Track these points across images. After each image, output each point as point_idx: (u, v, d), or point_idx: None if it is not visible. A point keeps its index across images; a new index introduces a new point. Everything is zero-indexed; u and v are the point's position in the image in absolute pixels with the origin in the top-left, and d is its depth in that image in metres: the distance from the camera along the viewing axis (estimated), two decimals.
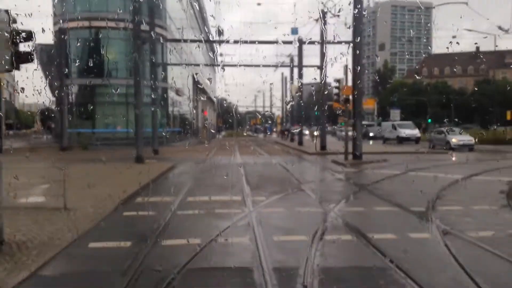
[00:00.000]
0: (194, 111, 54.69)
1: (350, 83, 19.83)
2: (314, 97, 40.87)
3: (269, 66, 27.01)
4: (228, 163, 19.55)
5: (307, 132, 43.99)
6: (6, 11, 5.85)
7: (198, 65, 40.32)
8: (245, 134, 74.11)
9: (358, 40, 16.78)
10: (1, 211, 5.93)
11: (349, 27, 18.17)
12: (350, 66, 19.01)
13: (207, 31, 51.31)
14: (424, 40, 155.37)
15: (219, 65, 29.58)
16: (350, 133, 19.59)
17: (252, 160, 20.03)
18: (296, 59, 31.23)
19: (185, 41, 30.98)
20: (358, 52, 16.90)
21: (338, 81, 19.65)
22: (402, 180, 14.01)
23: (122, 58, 34.36)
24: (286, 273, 5.09)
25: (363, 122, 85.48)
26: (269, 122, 76.59)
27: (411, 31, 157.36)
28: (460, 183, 12.71)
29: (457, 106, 73.56)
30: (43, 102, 53.35)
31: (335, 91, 20.31)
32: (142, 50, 20.50)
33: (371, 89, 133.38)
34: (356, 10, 15.16)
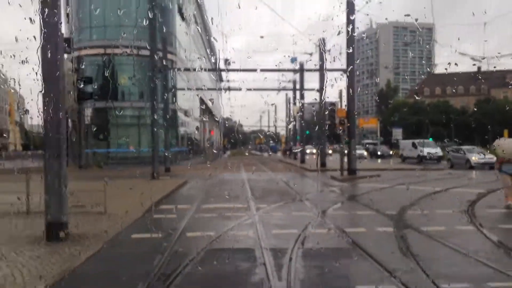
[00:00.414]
0: (200, 132, 56.99)
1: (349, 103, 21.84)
2: (315, 117, 42.95)
3: (272, 89, 29.16)
4: (234, 179, 21.57)
5: (313, 151, 46.06)
6: (71, 60, 7.99)
7: (205, 89, 42.59)
8: (247, 154, 75.96)
9: (351, 68, 18.87)
10: (67, 212, 7.97)
11: (340, 53, 20.27)
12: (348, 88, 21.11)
13: (210, 53, 53.94)
14: (424, 61, 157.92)
15: (225, 89, 31.73)
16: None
17: (256, 176, 22.05)
18: (298, 80, 33.45)
19: (194, 70, 33.28)
20: (350, 79, 19.04)
21: (333, 104, 21.82)
22: (387, 192, 15.98)
23: (135, 83, 36.89)
24: (278, 251, 7.05)
25: (367, 141, 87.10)
26: (273, 141, 78.62)
27: (408, 53, 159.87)
28: (437, 194, 14.64)
29: (458, 125, 75.40)
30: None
31: (332, 114, 22.44)
32: (156, 77, 22.69)
33: (375, 108, 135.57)
34: (350, 48, 17.29)
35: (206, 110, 59.39)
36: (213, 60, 50.70)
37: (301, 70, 27.47)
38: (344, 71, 20.05)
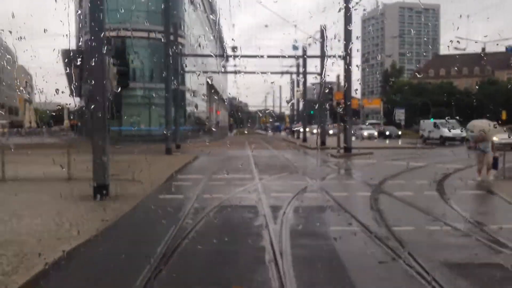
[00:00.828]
0: (206, 111, 58.93)
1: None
2: (317, 97, 44.71)
3: (276, 73, 31.03)
4: (240, 154, 23.63)
5: (314, 130, 47.75)
6: (112, 57, 9.93)
7: (213, 72, 44.28)
8: (246, 132, 77.80)
9: (347, 54, 20.68)
10: (109, 177, 10.02)
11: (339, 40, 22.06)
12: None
13: (217, 33, 55.37)
14: (430, 42, 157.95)
15: (233, 72, 33.51)
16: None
17: (260, 153, 24.10)
18: (301, 63, 35.18)
19: (203, 55, 35.02)
20: (348, 65, 20.89)
21: (331, 88, 23.68)
22: (375, 166, 17.99)
23: (146, 65, 38.87)
24: (275, 207, 9.08)
25: (371, 121, 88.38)
26: (277, 121, 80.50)
27: (412, 33, 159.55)
28: (420, 168, 16.61)
29: (460, 105, 76.72)
30: (69, 103, 57.77)
31: (329, 96, 24.32)
32: (169, 60, 24.53)
33: (380, 88, 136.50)
34: (347, 36, 19.05)
35: (212, 90, 61.14)
36: (218, 40, 52.32)
37: (304, 56, 29.26)
38: (341, 57, 21.84)
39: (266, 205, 9.32)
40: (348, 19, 18.15)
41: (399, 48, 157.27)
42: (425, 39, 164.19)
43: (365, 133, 44.58)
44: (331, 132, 39.78)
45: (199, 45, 43.42)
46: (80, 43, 42.72)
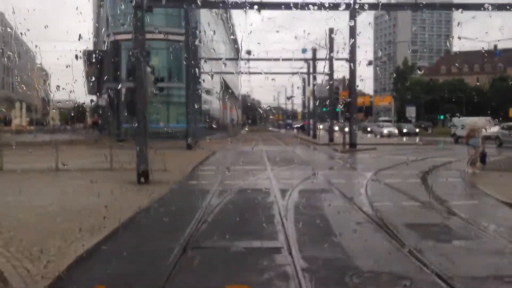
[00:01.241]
0: (220, 109, 61.28)
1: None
2: (327, 95, 46.58)
3: (287, 73, 33.10)
4: (253, 150, 25.85)
5: (320, 126, 49.69)
6: (151, 67, 12.17)
7: (227, 73, 46.50)
8: (260, 129, 79.85)
9: (352, 61, 22.77)
10: (149, 166, 12.29)
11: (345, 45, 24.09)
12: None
13: (231, 34, 57.67)
14: (443, 37, 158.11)
15: (246, 73, 35.76)
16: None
17: (272, 148, 26.29)
18: (311, 64, 37.26)
19: (220, 59, 37.29)
20: (352, 70, 23.02)
21: (337, 88, 25.75)
22: (375, 160, 20.06)
23: (164, 65, 41.30)
24: (283, 190, 11.26)
25: (382, 118, 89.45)
26: (289, 118, 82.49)
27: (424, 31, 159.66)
28: (415, 161, 18.63)
29: (471, 103, 77.82)
30: (92, 100, 60.42)
31: (336, 96, 26.40)
32: (189, 63, 26.81)
33: (392, 85, 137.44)
34: (352, 41, 21.15)
35: (226, 89, 63.41)
36: (232, 37, 54.53)
37: (313, 59, 31.39)
38: (347, 60, 23.90)
39: (276, 188, 11.53)
40: (352, 30, 20.23)
41: (411, 45, 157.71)
42: (438, 35, 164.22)
43: (385, 130, 43.20)
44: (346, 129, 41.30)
45: (214, 47, 45.78)
46: (101, 45, 45.47)
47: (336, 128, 40.38)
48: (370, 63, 42.41)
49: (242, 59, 35.20)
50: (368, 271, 5.26)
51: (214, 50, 43.08)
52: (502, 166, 15.84)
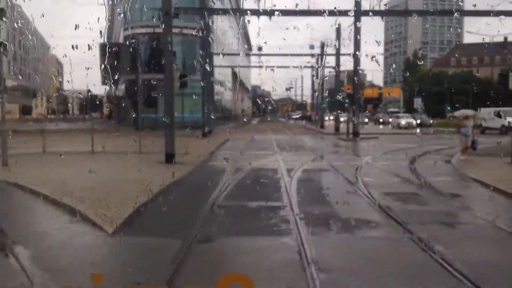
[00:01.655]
0: (232, 100, 63.32)
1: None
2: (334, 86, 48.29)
3: (296, 67, 35.04)
4: (264, 138, 27.90)
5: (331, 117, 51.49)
6: (175, 65, 14.21)
7: (240, 67, 48.38)
8: (268, 119, 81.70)
9: (356, 56, 24.65)
10: (175, 148, 14.38)
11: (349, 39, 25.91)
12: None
13: (242, 27, 59.46)
14: (454, 29, 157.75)
15: (257, 67, 37.65)
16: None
17: (281, 137, 28.31)
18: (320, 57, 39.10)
19: (231, 54, 39.24)
20: (356, 65, 24.94)
21: (342, 81, 27.64)
22: (374, 147, 21.97)
23: (179, 57, 43.25)
24: (289, 169, 13.29)
25: (390, 109, 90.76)
26: (296, 108, 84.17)
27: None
28: (410, 148, 20.52)
29: (480, 94, 78.75)
30: (107, 92, 62.73)
31: (341, 88, 28.30)
32: (204, 57, 28.83)
33: (402, 77, 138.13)
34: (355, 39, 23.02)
35: (238, 81, 65.33)
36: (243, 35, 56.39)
37: (321, 55, 33.31)
38: (351, 55, 25.76)
39: (283, 168, 13.57)
40: (357, 30, 22.13)
41: (422, 36, 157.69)
42: (448, 27, 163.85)
43: (403, 122, 40.81)
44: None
45: (226, 41, 47.71)
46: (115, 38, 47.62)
47: (342, 119, 42.22)
48: (373, 58, 43.56)
49: (254, 54, 37.07)
50: (346, 218, 7.30)
51: (226, 44, 45.05)
52: (490, 152, 17.65)
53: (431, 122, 45.62)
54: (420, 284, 4.72)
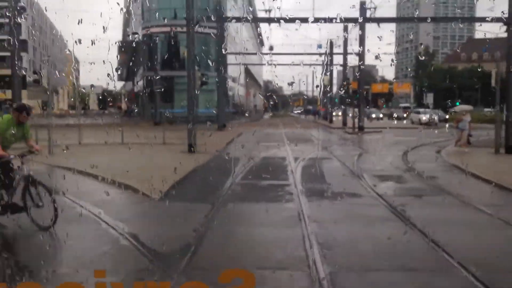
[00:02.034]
0: (244, 95, 65.38)
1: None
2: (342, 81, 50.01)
3: (306, 64, 37.01)
4: (275, 132, 29.91)
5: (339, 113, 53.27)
6: (198, 70, 16.26)
7: (252, 64, 50.32)
8: (281, 115, 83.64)
9: (361, 54, 26.47)
10: (195, 139, 16.45)
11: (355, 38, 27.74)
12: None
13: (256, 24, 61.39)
14: (465, 23, 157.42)
15: (268, 64, 39.68)
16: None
17: (291, 130, 30.31)
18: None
19: (245, 53, 41.25)
20: (360, 63, 26.79)
21: (347, 79, 29.51)
22: (376, 140, 23.88)
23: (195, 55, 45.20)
24: (296, 158, 15.29)
25: (401, 105, 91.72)
26: (307, 104, 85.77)
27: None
28: (409, 141, 22.36)
29: (489, 90, 79.47)
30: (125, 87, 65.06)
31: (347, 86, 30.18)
32: (219, 55, 30.81)
33: (413, 72, 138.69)
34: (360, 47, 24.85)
35: (250, 77, 67.37)
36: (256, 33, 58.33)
37: (330, 54, 35.20)
38: (357, 54, 27.59)
39: (291, 157, 15.58)
40: (362, 37, 24.02)
41: (433, 31, 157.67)
42: (460, 22, 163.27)
43: (423, 117, 38.26)
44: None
45: (240, 39, 49.71)
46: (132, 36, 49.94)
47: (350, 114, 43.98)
48: (376, 57, 45.11)
49: (265, 53, 39.04)
50: (338, 191, 9.31)
51: (239, 41, 47.01)
52: (487, 144, 19.34)
53: (446, 117, 46.23)
54: (381, 227, 6.71)
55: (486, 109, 53.15)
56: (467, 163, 12.65)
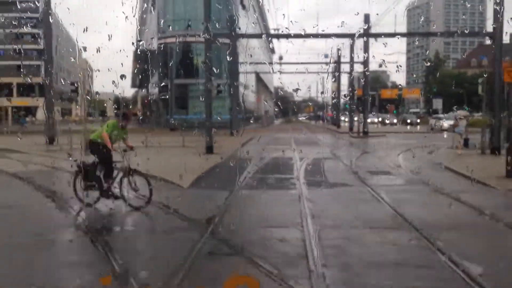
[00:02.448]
0: (257, 102, 67.47)
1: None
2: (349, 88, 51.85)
3: (314, 72, 39.05)
4: (284, 136, 31.87)
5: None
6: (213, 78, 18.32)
7: (263, 73, 52.37)
8: (292, 120, 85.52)
9: (366, 61, 28.40)
10: (213, 142, 18.49)
11: (360, 52, 29.65)
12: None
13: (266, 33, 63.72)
14: (476, 29, 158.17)
15: (279, 72, 41.86)
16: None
17: (299, 135, 32.29)
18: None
19: (256, 63, 43.40)
20: (365, 71, 28.69)
21: (353, 85, 31.42)
22: (379, 143, 25.72)
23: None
24: (302, 158, 17.22)
25: (413, 110, 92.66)
26: (317, 109, 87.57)
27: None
28: (410, 144, 24.15)
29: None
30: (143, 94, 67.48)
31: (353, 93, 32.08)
32: (232, 64, 32.90)
33: (424, 78, 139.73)
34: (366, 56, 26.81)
35: (261, 83, 69.49)
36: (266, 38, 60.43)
37: (337, 62, 37.22)
38: (361, 63, 29.51)
39: (297, 157, 17.52)
40: (367, 45, 26.01)
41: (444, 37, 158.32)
42: (471, 27, 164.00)
43: (445, 124, 35.21)
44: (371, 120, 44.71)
45: (251, 47, 51.78)
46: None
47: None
48: (380, 65, 46.89)
49: (276, 63, 41.13)
50: (333, 182, 11.26)
51: (251, 48, 49.13)
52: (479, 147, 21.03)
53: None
54: (362, 205, 8.64)
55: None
56: (449, 162, 14.50)
